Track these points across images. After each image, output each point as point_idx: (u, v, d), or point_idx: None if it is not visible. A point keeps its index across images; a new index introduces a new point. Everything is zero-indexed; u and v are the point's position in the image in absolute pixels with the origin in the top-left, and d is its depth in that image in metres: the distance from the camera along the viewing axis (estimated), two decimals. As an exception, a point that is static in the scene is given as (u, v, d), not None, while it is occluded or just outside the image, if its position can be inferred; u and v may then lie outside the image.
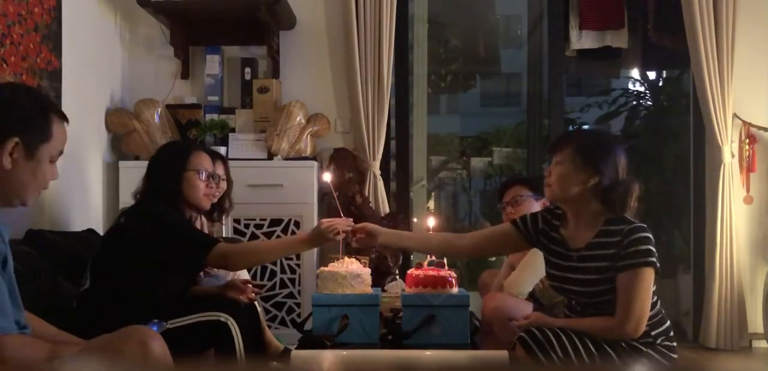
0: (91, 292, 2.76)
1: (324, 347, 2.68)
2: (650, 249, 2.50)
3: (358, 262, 2.93)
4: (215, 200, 3.11)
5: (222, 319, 2.65)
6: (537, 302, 3.29)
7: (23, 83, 3.19)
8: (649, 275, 2.49)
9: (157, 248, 2.74)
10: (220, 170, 3.50)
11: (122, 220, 2.86)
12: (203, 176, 2.90)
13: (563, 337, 2.58)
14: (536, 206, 3.23)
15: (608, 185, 2.51)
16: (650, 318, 2.58)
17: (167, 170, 2.89)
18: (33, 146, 1.98)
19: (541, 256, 2.83)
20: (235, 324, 2.65)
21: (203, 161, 2.93)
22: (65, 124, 2.09)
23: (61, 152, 2.07)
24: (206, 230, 3.16)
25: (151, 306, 2.66)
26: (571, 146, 2.57)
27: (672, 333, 2.64)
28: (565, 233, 2.64)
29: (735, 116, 4.33)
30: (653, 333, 2.59)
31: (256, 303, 3.13)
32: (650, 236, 2.53)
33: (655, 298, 2.61)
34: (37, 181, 2.02)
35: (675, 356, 2.62)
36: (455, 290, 2.84)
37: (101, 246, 2.91)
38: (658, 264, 2.52)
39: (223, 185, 3.52)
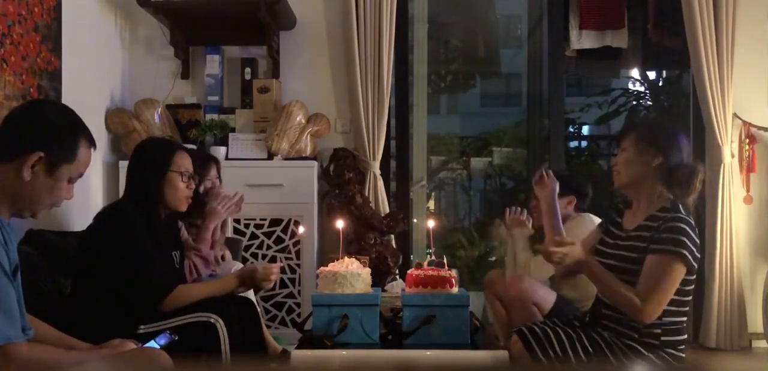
0: (75, 294, 2.75)
1: (324, 347, 2.68)
2: (682, 240, 2.46)
3: (358, 262, 2.93)
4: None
5: (211, 320, 2.63)
6: (562, 298, 3.27)
7: (59, 102, 3.21)
8: (675, 266, 2.46)
9: (115, 264, 2.67)
10: (212, 173, 3.49)
11: (93, 222, 2.80)
12: (185, 177, 2.87)
13: (561, 333, 2.59)
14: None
15: (673, 165, 2.56)
16: (669, 322, 2.53)
17: (150, 168, 2.83)
18: (55, 164, 2.00)
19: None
20: (223, 325, 2.62)
21: (186, 162, 2.89)
22: (92, 149, 2.11)
23: (80, 175, 2.09)
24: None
25: (135, 309, 2.64)
26: (634, 132, 2.67)
27: (683, 346, 2.58)
28: (626, 214, 2.70)
29: (735, 115, 4.33)
30: (664, 339, 2.53)
31: (255, 302, 3.12)
32: (688, 229, 2.49)
33: (686, 307, 2.56)
34: (52, 198, 2.03)
35: (676, 364, 2.58)
36: (455, 290, 2.84)
37: (78, 249, 2.84)
38: (691, 260, 2.47)
39: (218, 182, 3.52)
